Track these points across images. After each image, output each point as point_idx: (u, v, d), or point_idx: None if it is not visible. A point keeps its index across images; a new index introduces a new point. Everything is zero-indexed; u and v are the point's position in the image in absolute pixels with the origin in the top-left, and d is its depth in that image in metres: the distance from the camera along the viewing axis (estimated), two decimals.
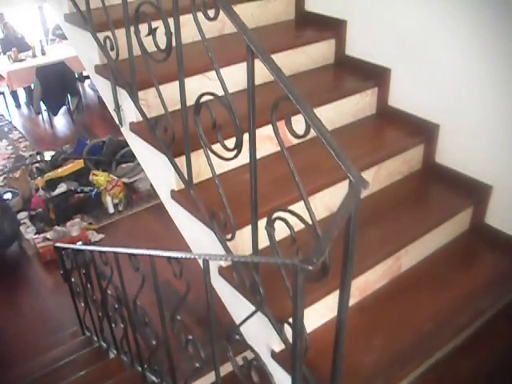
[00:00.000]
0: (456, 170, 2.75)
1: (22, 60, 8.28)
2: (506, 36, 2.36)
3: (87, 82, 9.26)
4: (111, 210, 6.07)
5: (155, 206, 6.03)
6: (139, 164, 6.17)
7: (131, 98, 2.34)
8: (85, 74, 8.62)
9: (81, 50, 2.86)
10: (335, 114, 2.79)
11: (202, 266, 1.73)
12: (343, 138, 2.71)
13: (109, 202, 6.03)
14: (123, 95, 2.47)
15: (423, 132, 2.80)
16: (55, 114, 8.13)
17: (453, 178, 2.74)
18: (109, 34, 2.35)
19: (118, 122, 2.59)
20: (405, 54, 2.81)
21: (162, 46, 1.93)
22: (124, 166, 6.39)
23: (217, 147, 1.85)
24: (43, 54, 8.43)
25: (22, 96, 9.12)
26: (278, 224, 1.66)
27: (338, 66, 3.11)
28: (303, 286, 1.36)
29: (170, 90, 2.37)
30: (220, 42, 2.91)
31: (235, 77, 2.68)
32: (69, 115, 8.34)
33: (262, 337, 2.05)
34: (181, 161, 2.21)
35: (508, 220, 2.62)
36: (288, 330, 1.80)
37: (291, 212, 1.61)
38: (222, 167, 2.30)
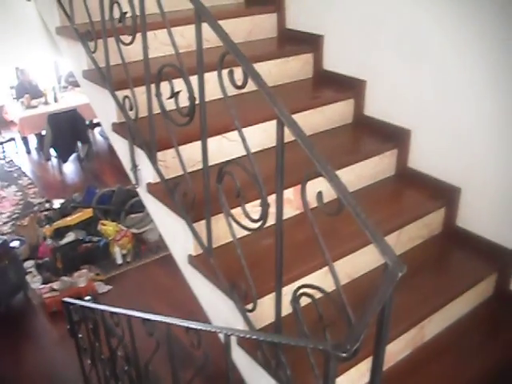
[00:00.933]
0: (478, 234, 2.68)
1: (34, 107, 8.33)
2: None
3: (97, 128, 9.30)
4: (119, 260, 5.98)
5: (164, 258, 5.93)
6: (148, 214, 6.17)
7: (149, 159, 2.30)
8: (95, 120, 8.65)
9: (98, 107, 2.84)
10: (355, 176, 2.74)
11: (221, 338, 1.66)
12: (363, 202, 2.66)
13: (117, 252, 5.96)
14: (141, 155, 2.43)
15: (444, 195, 2.75)
16: (65, 161, 8.14)
17: (475, 242, 2.68)
18: (128, 93, 2.33)
19: (134, 181, 2.55)
20: (425, 116, 2.78)
21: (182, 103, 1.91)
22: (133, 216, 6.34)
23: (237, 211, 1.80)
24: (55, 101, 8.49)
25: (33, 142, 9.15)
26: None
27: (356, 126, 3.08)
28: (335, 373, 1.29)
29: (189, 150, 2.34)
30: (237, 101, 2.87)
31: (254, 138, 2.66)
32: (78, 162, 8.34)
33: None
34: (200, 225, 2.16)
35: None
36: None
37: (319, 289, 1.54)
38: (241, 230, 2.23)
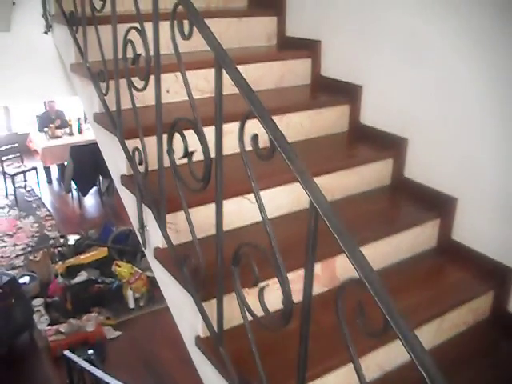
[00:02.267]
0: None
1: (58, 137, 8.19)
2: None
3: None
4: (131, 304, 5.70)
5: None
6: None
7: (157, 221, 2.01)
8: None
9: (108, 155, 2.57)
10: (391, 248, 2.42)
11: None
12: (400, 279, 2.35)
13: (130, 296, 5.67)
14: (150, 214, 2.14)
15: (495, 275, 2.39)
16: (85, 195, 7.93)
17: None
18: (138, 143, 2.06)
19: (141, 243, 2.25)
20: (473, 182, 2.46)
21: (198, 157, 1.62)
22: None
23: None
24: (80, 132, 8.35)
25: (55, 172, 8.99)
26: None
27: (394, 189, 2.75)
28: None
29: (204, 212, 2.06)
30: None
31: (280, 199, 2.38)
32: (99, 196, 8.13)
33: None
34: (210, 304, 1.84)
35: None
36: None
37: None
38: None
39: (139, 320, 5.62)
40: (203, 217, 2.03)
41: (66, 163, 8.07)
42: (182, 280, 1.93)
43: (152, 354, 5.14)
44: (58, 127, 8.33)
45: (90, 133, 8.32)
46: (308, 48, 3.11)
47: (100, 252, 6.13)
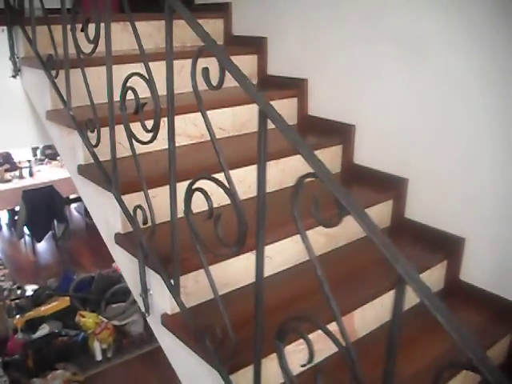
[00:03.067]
0: None
1: (8, 181, 7.79)
2: None
3: (74, 205, 8.74)
4: (99, 357, 5.36)
5: (149, 354, 5.36)
6: (132, 304, 5.61)
7: (168, 286, 1.81)
8: (72, 196, 8.12)
9: (95, 210, 2.36)
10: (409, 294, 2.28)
11: None
12: (414, 327, 2.23)
13: (97, 347, 5.34)
14: (153, 276, 1.94)
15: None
16: (39, 241, 7.54)
17: None
18: (141, 199, 1.87)
19: (142, 308, 2.04)
20: (481, 223, 2.38)
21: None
22: (114, 306, 5.75)
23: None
24: (31, 175, 7.97)
25: (4, 217, 8.55)
26: None
27: (395, 231, 2.64)
28: None
29: (217, 269, 1.88)
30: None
31: (288, 251, 2.24)
32: (54, 242, 7.75)
33: None
34: (237, 377, 1.66)
35: None
36: None
37: None
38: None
39: (108, 373, 5.28)
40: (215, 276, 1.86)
41: (16, 208, 7.67)
42: (202, 351, 1.73)
43: None
44: (6, 170, 7.94)
45: (42, 175, 7.99)
46: (293, 87, 3.00)
47: (61, 302, 5.77)
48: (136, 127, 1.79)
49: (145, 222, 1.83)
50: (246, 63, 3.15)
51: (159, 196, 2.02)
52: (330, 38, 2.82)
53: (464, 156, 2.37)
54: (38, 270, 7.12)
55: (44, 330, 5.48)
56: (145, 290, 1.97)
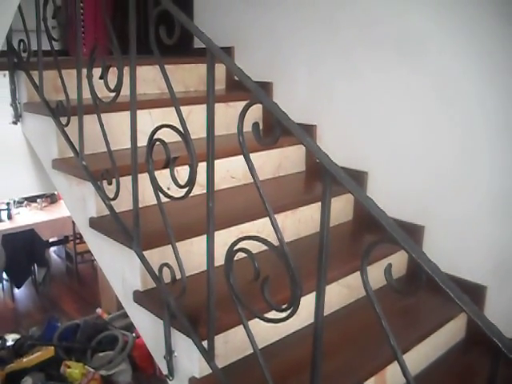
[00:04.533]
0: None
1: None
2: None
3: (53, 248, 8.50)
4: None
5: None
6: (120, 352, 5.41)
7: (200, 349, 1.70)
8: (51, 239, 7.91)
9: (110, 266, 2.23)
10: (430, 348, 2.24)
11: None
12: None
13: None
14: (178, 337, 1.83)
15: None
16: (19, 287, 7.27)
17: None
18: (163, 255, 1.78)
19: (165, 372, 1.92)
20: (503, 268, 2.34)
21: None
22: (101, 354, 5.52)
23: None
24: (9, 218, 7.74)
25: None
26: None
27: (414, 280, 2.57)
28: None
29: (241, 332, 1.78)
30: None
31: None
32: (33, 287, 7.49)
33: None
34: None
35: None
36: None
37: None
38: None
39: None
40: (241, 336, 1.76)
41: None
42: None
43: None
44: None
45: (22, 218, 7.75)
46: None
47: (45, 352, 5.51)
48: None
49: (173, 281, 1.73)
50: (253, 109, 3.09)
51: (180, 250, 1.93)
52: (340, 84, 2.80)
53: (480, 195, 2.35)
54: (18, 318, 6.84)
55: (27, 383, 5.24)
56: (169, 353, 1.85)
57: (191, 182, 1.57)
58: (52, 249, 8.57)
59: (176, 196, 1.64)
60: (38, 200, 7.56)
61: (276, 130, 1.32)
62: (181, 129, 1.56)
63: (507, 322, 2.33)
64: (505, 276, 2.36)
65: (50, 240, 7.98)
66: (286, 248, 1.31)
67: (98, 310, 5.98)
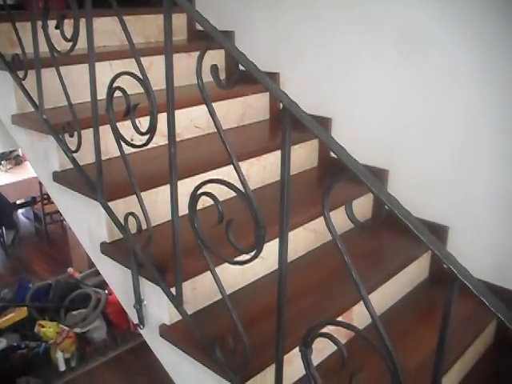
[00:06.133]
0: None
1: None
2: None
3: (21, 210, 8.40)
4: (62, 367, 5.16)
5: (114, 359, 5.23)
6: (94, 310, 5.45)
7: (169, 296, 1.73)
8: (18, 202, 7.81)
9: (75, 219, 2.23)
10: (395, 288, 2.31)
11: None
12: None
13: (59, 358, 5.14)
14: (147, 286, 1.85)
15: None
16: None
17: None
18: (128, 205, 1.78)
19: (135, 320, 1.94)
20: (464, 210, 2.40)
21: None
22: (75, 313, 5.55)
23: None
24: None
25: None
26: None
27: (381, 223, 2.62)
28: None
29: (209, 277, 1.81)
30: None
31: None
32: (2, 250, 7.43)
33: None
34: None
35: None
36: None
37: None
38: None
39: (74, 383, 5.12)
40: (209, 282, 1.78)
41: None
42: (209, 362, 1.65)
43: None
44: None
45: None
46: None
47: (18, 313, 5.51)
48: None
49: (139, 231, 1.73)
50: (215, 58, 3.05)
51: (146, 199, 1.93)
52: (303, 32, 2.77)
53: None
54: None
55: (1, 344, 5.24)
56: (139, 302, 1.87)
57: (152, 129, 1.56)
58: (20, 211, 8.46)
59: (138, 144, 1.62)
60: (3, 162, 7.42)
61: (235, 72, 1.31)
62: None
63: (467, 260, 2.42)
64: (466, 217, 2.42)
65: (18, 202, 7.87)
66: (249, 189, 1.32)
67: (70, 270, 5.98)
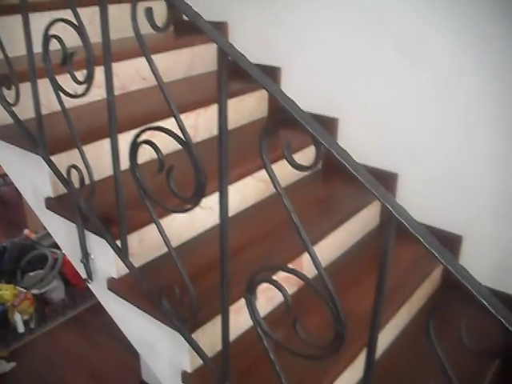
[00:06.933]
0: None
1: None
2: None
3: None
4: (21, 329, 5.13)
5: (74, 319, 5.21)
6: (50, 271, 5.39)
7: (115, 249, 1.71)
8: None
9: (19, 176, 2.16)
10: (347, 234, 2.33)
11: None
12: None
13: (18, 320, 5.10)
14: (94, 240, 1.83)
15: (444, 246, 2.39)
16: None
17: None
18: (70, 159, 1.74)
19: (84, 275, 1.92)
20: (410, 156, 2.44)
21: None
22: (32, 274, 5.48)
23: None
24: None
25: None
26: None
27: (327, 173, 2.63)
28: None
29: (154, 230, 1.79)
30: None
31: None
32: None
33: None
34: (196, 335, 1.61)
35: None
36: None
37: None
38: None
39: (33, 345, 5.08)
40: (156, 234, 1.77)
41: None
42: (157, 313, 1.65)
43: (57, 379, 4.68)
44: None
45: None
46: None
47: None
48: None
49: (82, 183, 1.69)
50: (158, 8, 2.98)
51: (90, 153, 1.89)
52: None
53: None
54: None
55: None
56: (86, 256, 1.85)
57: (89, 77, 1.51)
58: None
59: (77, 93, 1.57)
60: None
61: (169, 11, 1.27)
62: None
63: (415, 206, 2.46)
64: (414, 162, 2.44)
65: None
66: (188, 136, 1.30)
67: (26, 231, 5.88)
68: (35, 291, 5.40)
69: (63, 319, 5.31)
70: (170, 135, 1.31)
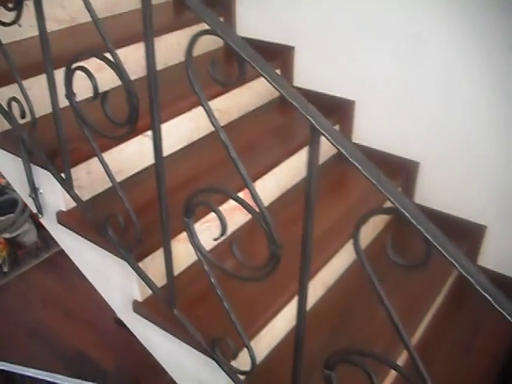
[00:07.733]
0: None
1: None
2: None
3: None
4: None
5: (47, 261, 5.23)
6: (21, 214, 5.36)
7: (60, 181, 1.69)
8: None
9: None
10: (303, 163, 2.32)
11: None
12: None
13: None
14: (42, 174, 1.80)
15: (401, 170, 2.42)
16: None
17: None
18: (12, 93, 1.70)
19: (34, 210, 1.91)
20: (368, 85, 2.42)
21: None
22: (2, 218, 5.44)
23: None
24: None
25: None
26: None
27: (284, 101, 2.59)
28: None
29: (109, 156, 1.77)
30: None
31: (180, 130, 2.16)
32: None
33: None
34: (144, 264, 1.62)
35: None
36: None
37: None
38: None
39: (7, 288, 5.11)
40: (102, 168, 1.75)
41: None
42: (105, 243, 1.65)
43: (33, 320, 4.73)
44: None
45: None
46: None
47: None
48: None
49: (22, 116, 1.66)
50: None
51: (34, 88, 1.85)
52: None
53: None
54: None
55: None
56: (34, 190, 1.83)
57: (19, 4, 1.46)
58: None
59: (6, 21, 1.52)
60: None
61: None
62: None
63: (375, 131, 2.46)
64: (369, 93, 2.43)
65: None
66: (118, 58, 1.27)
67: None
68: (7, 235, 5.38)
69: (36, 262, 5.32)
70: (101, 59, 1.27)
